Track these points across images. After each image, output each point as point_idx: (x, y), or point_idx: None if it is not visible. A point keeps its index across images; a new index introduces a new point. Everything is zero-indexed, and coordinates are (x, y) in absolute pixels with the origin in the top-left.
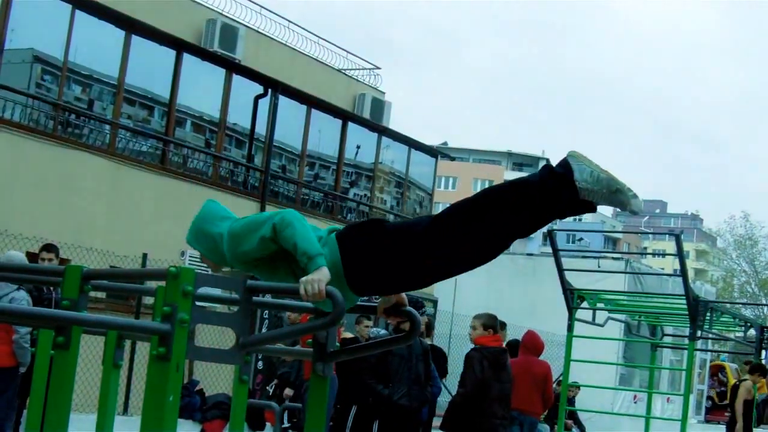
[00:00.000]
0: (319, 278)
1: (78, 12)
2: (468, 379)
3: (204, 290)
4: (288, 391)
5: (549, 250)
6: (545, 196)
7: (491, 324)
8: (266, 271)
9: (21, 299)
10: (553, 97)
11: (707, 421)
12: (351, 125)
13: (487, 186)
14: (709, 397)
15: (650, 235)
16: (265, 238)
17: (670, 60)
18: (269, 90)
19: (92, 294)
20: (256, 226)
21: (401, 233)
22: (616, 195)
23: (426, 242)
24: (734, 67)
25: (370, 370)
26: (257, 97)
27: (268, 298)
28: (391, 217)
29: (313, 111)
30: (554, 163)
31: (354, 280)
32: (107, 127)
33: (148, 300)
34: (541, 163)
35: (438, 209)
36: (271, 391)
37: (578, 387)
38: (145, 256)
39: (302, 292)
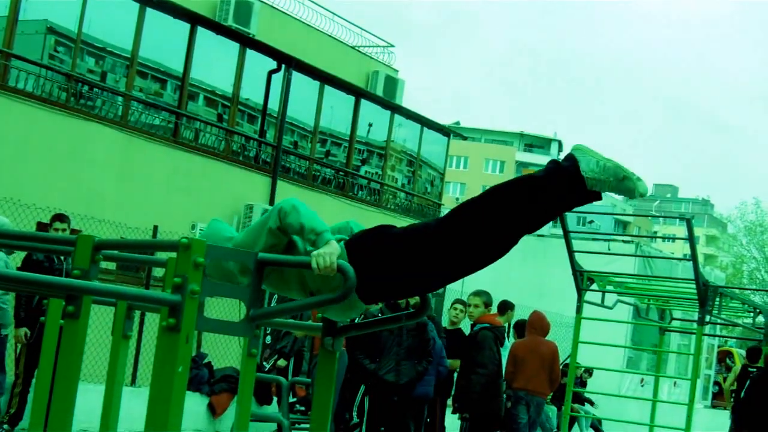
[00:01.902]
0: (330, 251)
1: None
2: (488, 359)
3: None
4: (281, 362)
5: (559, 231)
6: (553, 189)
7: (491, 301)
8: (276, 281)
9: None
10: (566, 79)
11: (714, 407)
12: (364, 102)
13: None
14: (716, 383)
15: (661, 219)
16: (272, 229)
17: (684, 42)
18: (282, 65)
19: (102, 265)
20: (261, 225)
21: (410, 237)
22: (624, 182)
23: (435, 244)
24: (749, 50)
25: (360, 345)
26: (270, 73)
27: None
28: (402, 196)
29: (326, 87)
30: (563, 154)
31: (362, 288)
32: (120, 99)
33: (158, 273)
34: (553, 145)
35: (449, 189)
36: (268, 365)
37: (591, 371)
38: (155, 228)
39: (314, 265)
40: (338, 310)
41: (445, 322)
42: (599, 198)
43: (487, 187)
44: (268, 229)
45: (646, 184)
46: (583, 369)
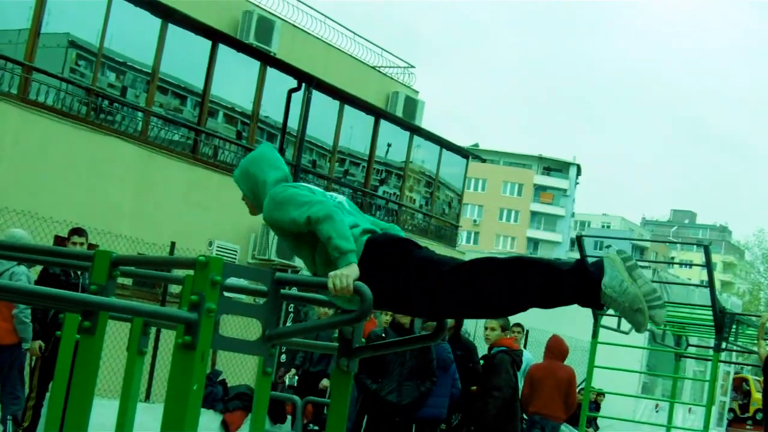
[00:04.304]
0: (348, 273)
1: None
2: (504, 383)
3: (231, 281)
4: (325, 382)
5: (576, 255)
6: (569, 287)
7: (507, 325)
8: (291, 242)
9: (21, 273)
10: (586, 102)
11: None
12: (383, 123)
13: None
14: (731, 410)
15: (678, 245)
16: (296, 221)
17: (704, 63)
18: (303, 84)
19: (118, 281)
20: (294, 205)
21: (427, 265)
22: (636, 314)
23: (444, 283)
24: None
25: (363, 365)
26: (291, 91)
27: (294, 290)
28: (420, 217)
29: (346, 107)
30: (588, 262)
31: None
32: (140, 114)
33: (174, 289)
34: (572, 168)
35: (466, 211)
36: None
37: (603, 394)
38: (173, 244)
39: (330, 286)
40: (344, 298)
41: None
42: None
43: (508, 253)
44: (292, 218)
45: (663, 317)
46: (596, 393)
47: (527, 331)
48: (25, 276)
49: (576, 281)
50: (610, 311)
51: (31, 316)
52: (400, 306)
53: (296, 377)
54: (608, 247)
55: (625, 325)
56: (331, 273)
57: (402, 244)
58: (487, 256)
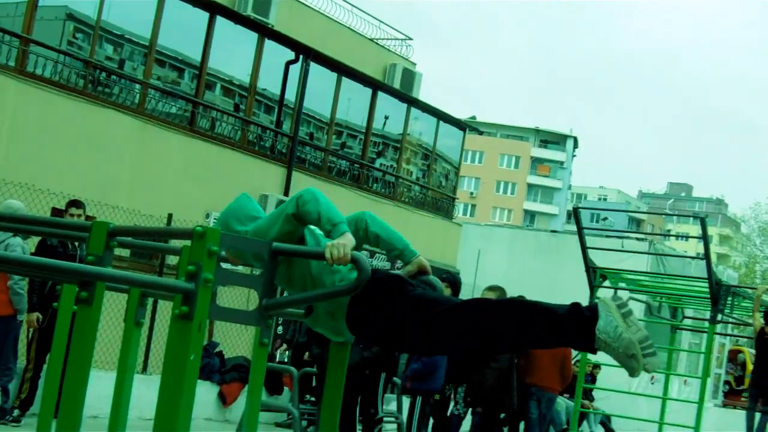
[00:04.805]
0: (344, 242)
1: None
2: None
3: None
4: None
5: (573, 227)
6: (564, 330)
7: (504, 296)
8: (282, 274)
9: (16, 245)
10: (583, 76)
11: (724, 405)
12: (381, 95)
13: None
14: (726, 382)
15: (674, 218)
16: (289, 215)
17: (701, 40)
18: (300, 56)
19: (115, 252)
20: (279, 212)
21: (420, 305)
22: (630, 360)
23: (438, 324)
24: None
25: (314, 335)
26: (288, 63)
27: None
28: (416, 189)
29: (344, 79)
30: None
31: (352, 319)
32: (137, 86)
33: (171, 261)
34: (569, 141)
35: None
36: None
37: (599, 366)
38: (170, 216)
39: (327, 255)
40: (329, 328)
41: None
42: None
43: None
44: (285, 215)
45: (656, 366)
46: (592, 365)
47: None
48: (20, 247)
49: (571, 325)
50: (607, 282)
51: (28, 287)
52: (386, 342)
53: (287, 352)
54: (605, 219)
55: (621, 296)
56: (328, 243)
57: (394, 282)
58: (479, 299)
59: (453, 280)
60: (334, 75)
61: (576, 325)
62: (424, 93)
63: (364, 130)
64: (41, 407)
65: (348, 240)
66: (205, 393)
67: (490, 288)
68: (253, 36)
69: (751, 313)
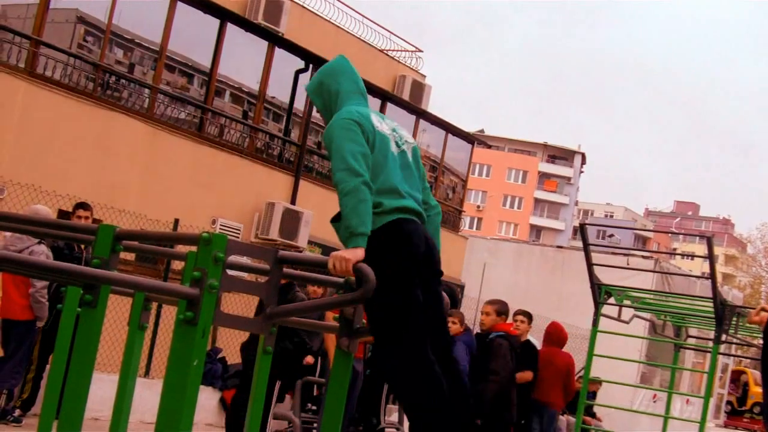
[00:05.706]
0: (349, 257)
1: None
2: (501, 367)
3: (234, 258)
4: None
5: (579, 243)
6: None
7: (504, 310)
8: None
9: (40, 253)
10: (592, 91)
11: (726, 425)
12: (389, 106)
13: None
14: (728, 402)
15: (680, 237)
16: (332, 167)
17: (713, 56)
18: (310, 65)
19: (121, 256)
20: (339, 156)
21: (401, 317)
22: None
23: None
24: None
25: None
26: (298, 72)
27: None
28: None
29: None
30: (586, 167)
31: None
32: (147, 91)
33: (177, 266)
34: (576, 157)
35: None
36: None
37: (600, 382)
38: (176, 221)
39: (330, 266)
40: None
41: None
42: None
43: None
44: (333, 163)
45: None
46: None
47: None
48: (44, 255)
49: None
50: (612, 299)
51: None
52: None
53: None
54: (611, 236)
55: (626, 314)
56: (333, 253)
57: (409, 273)
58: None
59: (449, 292)
60: None
61: None
62: (432, 105)
63: None
64: (43, 408)
65: (354, 255)
66: (207, 399)
67: (491, 302)
68: (264, 44)
69: (755, 334)
